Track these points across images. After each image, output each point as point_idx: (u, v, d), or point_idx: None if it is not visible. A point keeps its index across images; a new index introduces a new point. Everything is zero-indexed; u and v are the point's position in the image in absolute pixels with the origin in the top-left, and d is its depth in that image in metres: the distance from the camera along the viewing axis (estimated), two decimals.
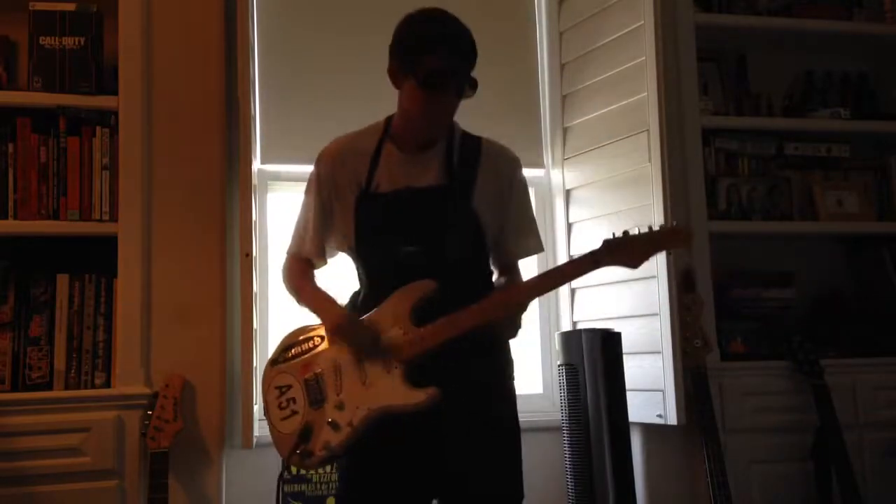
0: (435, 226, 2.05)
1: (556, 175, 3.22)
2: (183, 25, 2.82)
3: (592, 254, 2.05)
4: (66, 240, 2.66)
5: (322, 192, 2.14)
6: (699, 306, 2.87)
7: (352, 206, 2.10)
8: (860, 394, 3.04)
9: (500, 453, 2.07)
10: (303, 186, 2.20)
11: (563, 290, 3.16)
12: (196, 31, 2.83)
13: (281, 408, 2.07)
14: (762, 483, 2.92)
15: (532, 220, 2.24)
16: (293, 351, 2.11)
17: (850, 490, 2.79)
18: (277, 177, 3.02)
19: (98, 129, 2.68)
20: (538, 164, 3.24)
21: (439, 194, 2.07)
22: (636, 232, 2.04)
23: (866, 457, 3.00)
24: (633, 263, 2.06)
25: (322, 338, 2.10)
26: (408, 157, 2.10)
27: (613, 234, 2.04)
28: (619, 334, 2.75)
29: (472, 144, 2.14)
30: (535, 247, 2.24)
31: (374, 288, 2.11)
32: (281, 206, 3.01)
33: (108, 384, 2.62)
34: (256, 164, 2.87)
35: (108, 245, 2.64)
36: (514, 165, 2.19)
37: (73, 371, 2.61)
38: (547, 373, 3.17)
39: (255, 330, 2.68)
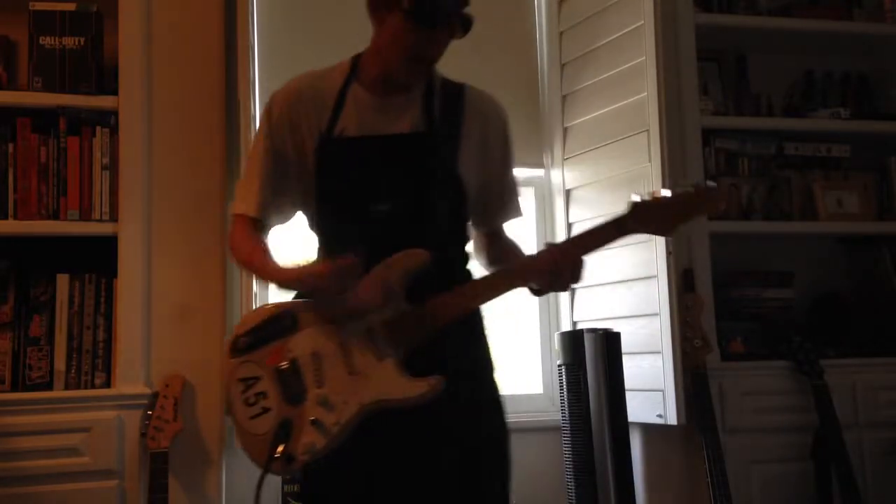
0: (413, 179, 1.77)
1: (556, 175, 3.22)
2: (183, 25, 2.82)
3: (617, 221, 1.76)
4: (66, 240, 2.66)
5: (274, 138, 1.84)
6: (699, 306, 2.87)
7: (311, 155, 1.80)
8: (860, 394, 3.04)
9: (490, 464, 1.82)
10: None
11: None
12: (196, 31, 2.83)
13: (248, 404, 1.74)
14: (762, 483, 2.92)
15: (516, 181, 1.99)
16: (256, 336, 1.77)
17: (850, 490, 2.79)
18: None
19: (98, 129, 2.67)
20: (538, 164, 3.24)
21: (418, 143, 1.80)
22: (667, 193, 1.76)
23: (866, 457, 2.99)
24: (666, 230, 1.80)
25: (294, 318, 1.76)
26: (379, 100, 1.81)
27: (640, 197, 1.76)
28: (618, 334, 2.75)
29: (456, 90, 1.87)
30: (519, 210, 1.99)
31: (334, 254, 1.76)
32: None
33: (108, 384, 2.62)
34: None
35: (108, 245, 2.64)
36: (504, 116, 1.93)
37: (73, 371, 2.61)
38: (547, 373, 3.17)
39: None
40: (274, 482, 2.61)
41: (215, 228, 2.76)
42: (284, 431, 1.70)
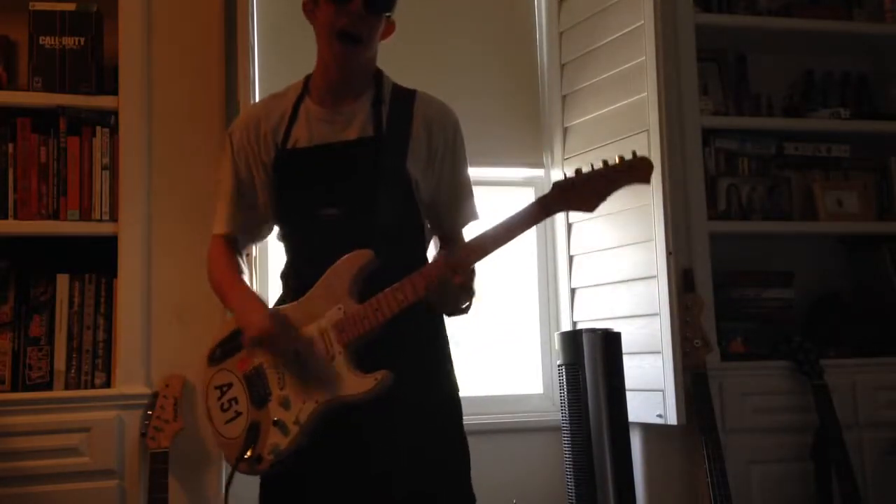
0: (360, 184, 1.84)
1: (556, 175, 3.22)
2: (183, 25, 2.82)
3: (541, 200, 1.79)
4: (66, 240, 2.66)
5: (237, 161, 1.95)
6: (699, 306, 2.87)
7: (271, 170, 1.90)
8: (860, 394, 3.04)
9: (445, 452, 1.87)
10: None
11: (563, 290, 3.17)
12: (196, 31, 2.83)
13: (223, 409, 1.86)
14: (762, 483, 2.92)
15: (470, 185, 2.01)
16: (229, 345, 1.88)
17: (850, 490, 2.79)
18: None
19: (98, 129, 2.67)
20: (538, 164, 3.24)
21: (365, 147, 1.86)
22: (589, 168, 1.78)
23: (866, 457, 3.00)
24: (589, 206, 1.79)
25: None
26: (329, 111, 1.90)
27: (565, 175, 1.80)
28: (619, 334, 2.75)
29: (405, 96, 1.93)
30: (474, 213, 2.01)
31: (296, 261, 1.92)
32: None
33: (108, 384, 2.62)
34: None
35: (108, 245, 2.64)
36: (454, 121, 1.97)
37: (73, 371, 2.61)
38: (547, 373, 3.17)
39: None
40: None
41: None
42: (253, 434, 1.80)
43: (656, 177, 2.77)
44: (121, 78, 2.69)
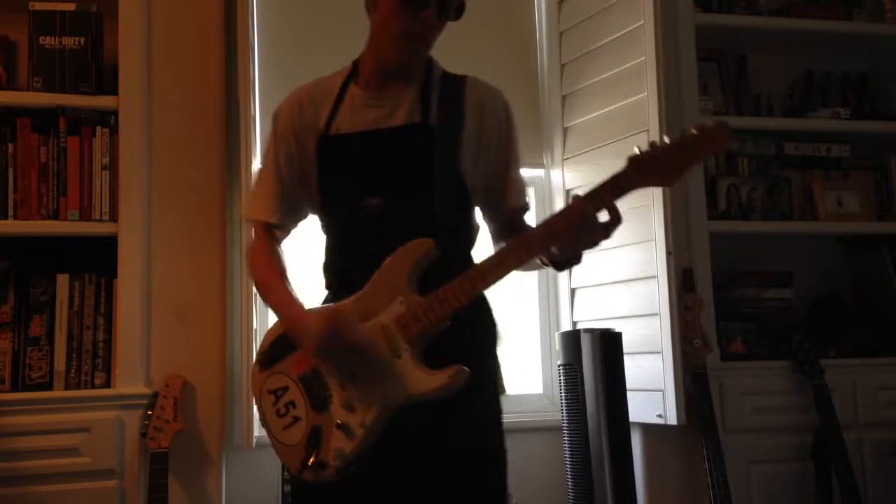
0: (408, 172, 1.76)
1: (556, 175, 3.22)
2: (183, 25, 2.82)
3: (615, 179, 1.67)
4: (66, 240, 2.66)
5: (280, 147, 1.87)
6: (699, 306, 2.87)
7: (314, 158, 1.83)
8: (860, 394, 3.04)
9: (493, 459, 1.79)
10: None
11: (563, 289, 3.17)
12: (196, 30, 2.83)
13: (280, 415, 1.74)
14: (762, 483, 2.92)
15: (521, 173, 1.94)
16: (281, 347, 1.78)
17: (850, 490, 2.79)
18: None
19: (98, 129, 2.68)
20: (538, 164, 3.24)
21: (413, 134, 1.78)
22: (665, 141, 1.67)
23: (866, 457, 2.99)
24: (668, 180, 1.70)
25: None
26: (375, 96, 1.82)
27: (638, 148, 1.68)
28: (619, 334, 2.75)
29: (455, 81, 1.85)
30: (527, 203, 1.95)
31: (341, 253, 1.83)
32: None
33: (108, 384, 2.62)
34: (256, 164, 2.87)
35: (108, 245, 2.64)
36: (506, 106, 1.90)
37: (73, 371, 2.61)
38: (547, 373, 3.17)
39: (255, 330, 2.68)
40: (274, 482, 2.61)
41: (215, 228, 2.76)
42: (315, 439, 1.69)
43: None
44: (121, 78, 2.69)
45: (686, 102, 3.05)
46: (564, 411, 2.78)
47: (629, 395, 2.72)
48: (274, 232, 1.91)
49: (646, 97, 2.83)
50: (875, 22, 3.39)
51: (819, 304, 3.27)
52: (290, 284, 1.84)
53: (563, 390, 2.79)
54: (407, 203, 1.75)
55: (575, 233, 1.69)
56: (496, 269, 1.68)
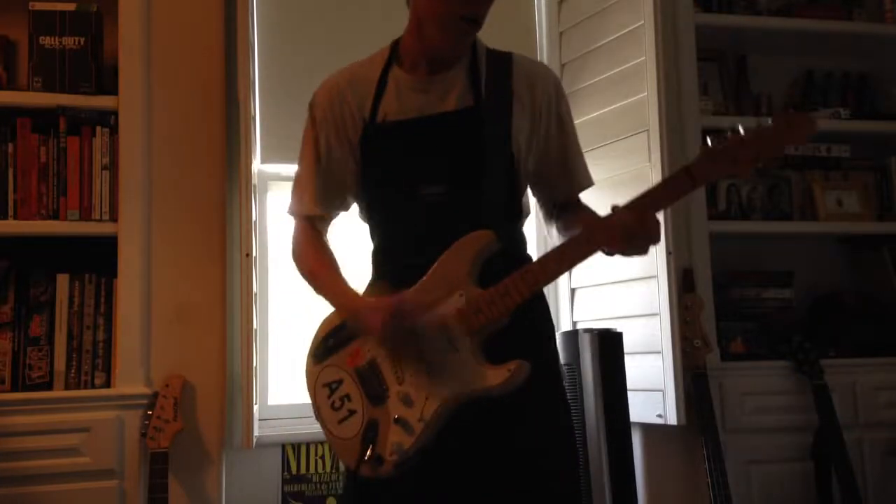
0: (465, 159, 1.70)
1: None
2: (183, 25, 2.82)
3: (688, 169, 1.59)
4: (66, 240, 2.66)
5: (320, 137, 1.82)
6: (699, 306, 2.87)
7: (357, 147, 1.77)
8: (860, 394, 3.04)
9: (563, 464, 1.73)
10: None
11: (563, 289, 3.17)
12: (196, 31, 2.82)
13: (335, 408, 1.71)
14: (762, 483, 2.92)
15: (579, 146, 1.87)
16: (335, 339, 1.74)
17: (850, 490, 2.79)
18: (277, 177, 3.02)
19: (98, 129, 2.67)
20: None
21: (466, 119, 1.72)
22: (740, 132, 1.59)
23: (866, 457, 3.00)
24: (743, 170, 1.62)
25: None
26: (421, 80, 1.75)
27: (709, 140, 1.61)
28: (620, 334, 2.74)
29: (502, 59, 1.78)
30: (588, 178, 1.87)
31: (394, 244, 1.77)
32: (281, 205, 3.01)
33: (108, 384, 2.62)
34: (256, 165, 2.87)
35: (108, 245, 2.64)
36: (556, 81, 1.83)
37: (73, 371, 2.61)
38: None
39: (255, 330, 2.68)
40: (274, 482, 2.61)
41: (215, 228, 2.76)
42: (372, 433, 1.65)
43: (656, 176, 2.78)
44: (121, 78, 2.69)
45: (686, 102, 3.05)
46: None
47: (629, 394, 2.72)
48: (316, 223, 1.87)
49: (646, 97, 2.83)
50: (875, 22, 3.39)
51: (819, 304, 3.27)
52: (341, 274, 1.79)
53: None
54: (466, 191, 1.70)
55: (618, 242, 1.62)
56: (559, 262, 1.64)
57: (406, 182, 1.73)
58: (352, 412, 1.69)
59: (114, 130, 2.69)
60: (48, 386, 2.59)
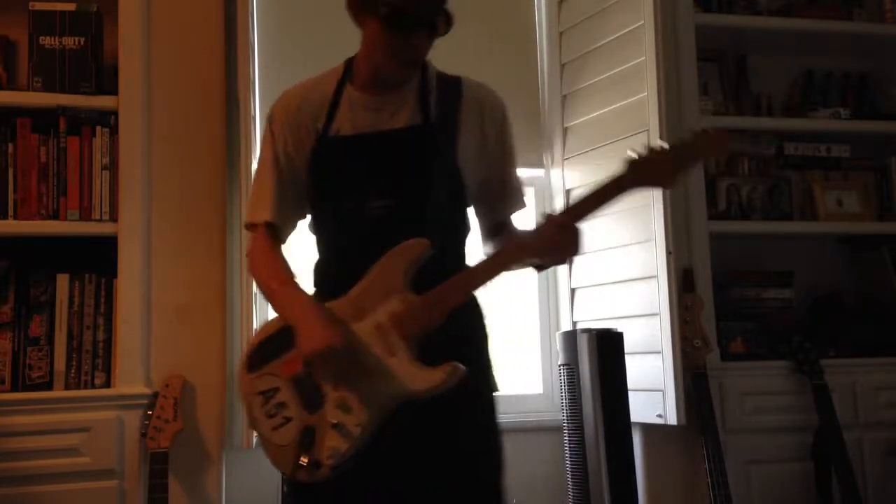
0: (411, 174, 1.77)
1: (556, 175, 3.22)
2: (183, 25, 2.82)
3: (617, 179, 1.74)
4: (66, 240, 2.66)
5: (278, 149, 1.87)
6: (699, 306, 2.87)
7: (310, 159, 1.83)
8: (860, 394, 3.04)
9: (489, 459, 1.81)
10: None
11: (563, 289, 3.17)
12: (196, 31, 2.82)
13: (269, 416, 1.74)
14: (762, 483, 2.92)
15: (517, 175, 1.96)
16: (270, 348, 1.78)
17: (850, 490, 2.79)
18: None
19: (98, 129, 2.67)
20: (538, 164, 3.24)
21: (414, 136, 1.79)
22: (665, 144, 1.76)
23: (866, 457, 3.00)
24: (666, 181, 1.78)
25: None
26: (373, 99, 1.82)
27: (635, 151, 1.76)
28: (620, 334, 2.75)
29: (452, 82, 1.86)
30: (522, 201, 1.97)
31: (339, 254, 1.82)
32: None
33: (108, 384, 2.62)
34: (256, 165, 2.86)
35: (108, 245, 2.64)
36: (502, 106, 1.91)
37: (73, 371, 2.61)
38: (547, 373, 3.17)
39: (255, 330, 2.68)
40: (274, 482, 2.60)
41: (215, 228, 2.75)
42: (308, 439, 1.70)
43: None
44: (121, 78, 2.69)
45: (686, 102, 3.05)
46: (564, 411, 2.78)
47: (629, 395, 2.72)
48: (274, 233, 1.90)
49: (646, 97, 2.83)
50: (875, 22, 3.39)
51: (819, 304, 3.27)
52: (295, 283, 1.83)
53: (563, 390, 2.79)
54: (411, 205, 1.76)
55: (559, 245, 1.74)
56: (491, 269, 1.74)
57: (354, 194, 1.78)
58: (287, 419, 1.73)
59: (114, 130, 2.69)
60: (48, 386, 2.59)
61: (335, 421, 1.69)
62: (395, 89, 1.83)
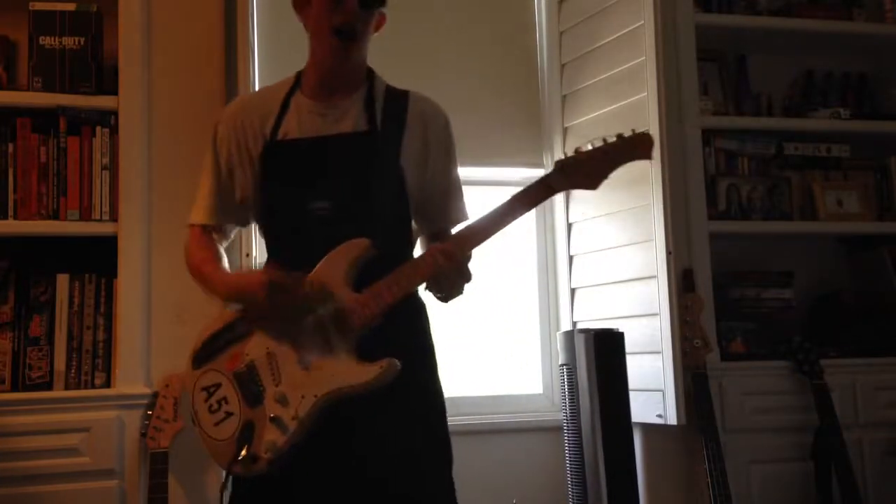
0: (354, 178, 1.82)
1: None
2: (183, 25, 2.82)
3: (544, 179, 1.82)
4: (66, 240, 2.66)
5: (220, 154, 1.93)
6: (699, 306, 2.87)
7: (257, 162, 1.88)
8: (860, 394, 3.04)
9: (436, 455, 1.86)
10: None
11: (563, 289, 3.17)
12: (196, 31, 2.82)
13: (212, 411, 1.78)
14: (762, 483, 2.92)
15: (460, 184, 2.01)
16: (214, 344, 1.82)
17: (850, 490, 2.79)
18: None
19: (98, 129, 2.67)
20: (538, 164, 3.24)
21: (359, 142, 1.85)
22: (589, 147, 1.82)
23: (866, 457, 3.00)
24: (592, 184, 1.83)
25: (248, 323, 1.81)
26: (321, 105, 1.89)
27: (565, 154, 1.85)
28: (621, 334, 2.75)
29: (398, 94, 1.94)
30: (465, 213, 1.99)
31: (284, 255, 1.85)
32: None
33: (108, 384, 2.62)
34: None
35: (108, 245, 2.64)
36: (445, 120, 1.97)
37: (73, 371, 2.61)
38: (547, 373, 3.17)
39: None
40: None
41: None
42: (247, 433, 1.73)
43: (656, 177, 2.78)
44: (121, 78, 2.69)
45: (686, 102, 3.05)
46: (565, 411, 2.78)
47: (629, 394, 2.72)
48: (211, 234, 1.97)
49: (646, 97, 2.83)
50: (875, 22, 3.39)
51: (819, 304, 3.27)
52: (224, 268, 1.91)
53: (563, 390, 2.79)
54: (351, 206, 1.81)
55: (441, 273, 1.78)
56: (426, 267, 1.77)
57: (298, 197, 1.82)
58: (229, 414, 1.77)
59: (114, 130, 2.68)
60: (48, 386, 2.59)
61: (273, 415, 1.72)
62: (342, 96, 1.89)
